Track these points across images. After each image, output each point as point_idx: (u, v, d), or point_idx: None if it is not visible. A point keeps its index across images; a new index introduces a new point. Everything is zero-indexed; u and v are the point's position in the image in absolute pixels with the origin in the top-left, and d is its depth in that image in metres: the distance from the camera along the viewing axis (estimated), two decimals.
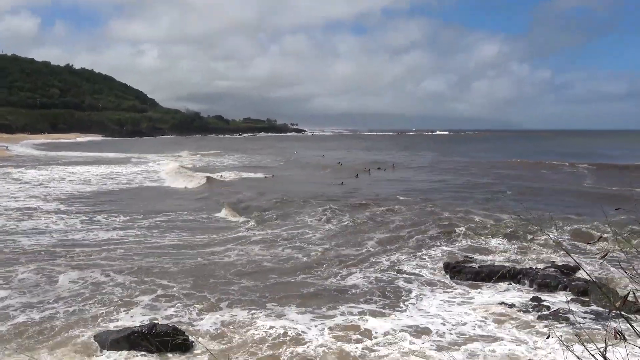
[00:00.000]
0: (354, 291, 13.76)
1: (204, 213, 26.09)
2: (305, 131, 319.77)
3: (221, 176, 43.84)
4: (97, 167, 55.08)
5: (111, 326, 10.92)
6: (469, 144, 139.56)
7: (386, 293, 13.57)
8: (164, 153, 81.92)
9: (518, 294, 13.53)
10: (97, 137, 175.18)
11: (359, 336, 10.55)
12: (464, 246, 18.53)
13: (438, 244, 18.81)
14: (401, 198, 28.37)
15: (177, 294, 13.18)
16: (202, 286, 13.89)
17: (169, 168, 49.18)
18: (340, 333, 10.71)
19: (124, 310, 12.02)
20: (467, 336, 10.63)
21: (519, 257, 16.86)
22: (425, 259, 16.96)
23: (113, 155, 77.97)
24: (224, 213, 25.79)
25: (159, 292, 13.35)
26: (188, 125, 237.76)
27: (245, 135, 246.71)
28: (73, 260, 16.48)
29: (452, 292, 13.80)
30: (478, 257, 17.03)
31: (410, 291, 13.73)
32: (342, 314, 11.98)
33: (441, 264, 16.02)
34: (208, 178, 39.67)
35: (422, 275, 15.25)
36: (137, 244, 19.11)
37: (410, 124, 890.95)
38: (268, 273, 15.41)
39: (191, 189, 36.81)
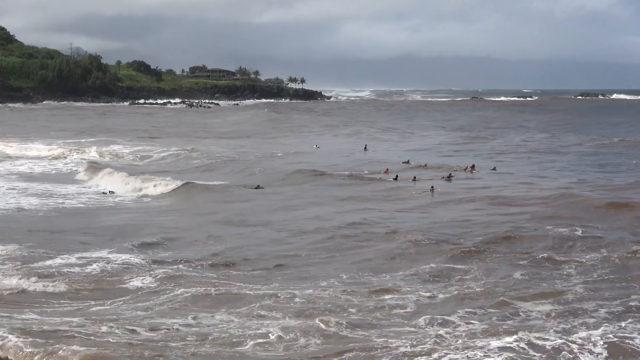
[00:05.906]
0: None
1: None
2: (320, 94, 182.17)
3: (109, 192, 25.43)
4: None
5: None
6: None
7: None
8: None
9: None
10: None
11: None
12: None
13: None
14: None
15: None
16: None
17: None
18: None
19: None
20: None
21: None
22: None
23: None
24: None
25: None
26: (75, 83, 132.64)
27: (197, 103, 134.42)
28: None
29: None
30: None
31: None
32: None
33: None
34: None
35: None
36: None
37: (534, 81, 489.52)
38: None
39: None
